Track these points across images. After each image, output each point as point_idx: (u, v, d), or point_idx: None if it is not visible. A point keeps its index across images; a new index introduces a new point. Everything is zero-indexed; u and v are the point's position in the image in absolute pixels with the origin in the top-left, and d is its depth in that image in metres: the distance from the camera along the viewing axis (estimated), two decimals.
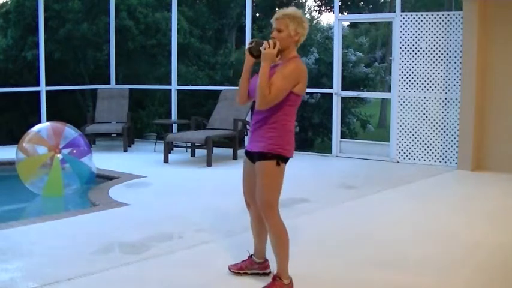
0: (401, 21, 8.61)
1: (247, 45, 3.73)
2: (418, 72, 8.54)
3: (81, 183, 6.82)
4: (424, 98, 8.52)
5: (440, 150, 8.46)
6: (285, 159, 3.68)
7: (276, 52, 3.59)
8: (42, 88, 10.11)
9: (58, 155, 6.60)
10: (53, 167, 6.55)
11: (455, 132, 8.30)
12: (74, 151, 6.71)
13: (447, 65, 8.35)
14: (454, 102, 8.32)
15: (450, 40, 8.31)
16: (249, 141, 3.81)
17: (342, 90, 9.55)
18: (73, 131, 6.94)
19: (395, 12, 8.83)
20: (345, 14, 21.53)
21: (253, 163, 3.70)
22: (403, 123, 8.68)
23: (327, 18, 47.96)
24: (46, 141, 6.65)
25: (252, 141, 3.74)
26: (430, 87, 8.47)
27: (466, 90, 8.05)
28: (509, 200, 6.57)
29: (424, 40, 8.47)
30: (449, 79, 8.34)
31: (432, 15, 8.50)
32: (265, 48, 3.59)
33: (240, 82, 3.81)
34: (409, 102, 8.63)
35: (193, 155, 9.24)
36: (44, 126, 7.11)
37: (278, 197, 3.66)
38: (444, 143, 8.43)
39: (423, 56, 8.49)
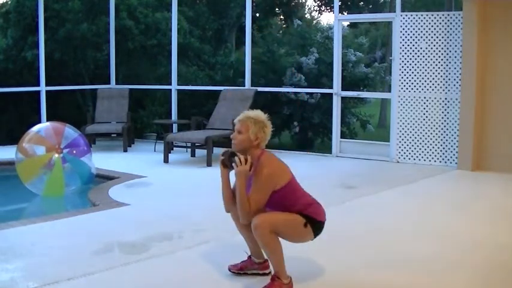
0: (401, 21, 8.61)
1: (219, 157, 3.73)
2: (418, 72, 8.54)
3: (81, 183, 6.82)
4: (424, 98, 8.52)
5: (440, 150, 8.46)
6: (317, 224, 3.64)
7: (248, 168, 3.56)
8: (42, 88, 10.11)
9: (60, 155, 6.59)
10: (54, 167, 6.54)
11: (455, 132, 8.30)
12: (74, 151, 6.71)
13: (447, 65, 8.35)
14: (454, 102, 8.32)
15: (450, 40, 8.31)
16: None
17: (342, 90, 9.56)
18: (73, 131, 6.94)
19: (395, 12, 8.84)
20: (345, 14, 21.54)
21: None
22: (403, 123, 8.68)
23: (327, 18, 47.96)
24: (47, 141, 6.64)
25: None
26: (430, 87, 8.47)
27: (466, 90, 8.05)
28: (509, 200, 6.57)
29: (424, 40, 8.47)
30: (449, 79, 8.34)
31: (432, 15, 8.50)
32: (237, 166, 3.57)
33: (222, 191, 3.80)
34: (409, 102, 8.64)
35: (193, 155, 9.24)
36: (44, 126, 7.10)
37: (279, 232, 3.57)
38: (444, 143, 8.43)
39: (423, 56, 8.49)
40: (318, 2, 26.94)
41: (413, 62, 8.56)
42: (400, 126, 8.71)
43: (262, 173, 3.55)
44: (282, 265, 3.62)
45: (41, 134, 6.76)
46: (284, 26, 23.42)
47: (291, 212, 3.61)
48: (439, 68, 8.40)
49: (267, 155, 3.67)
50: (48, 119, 9.62)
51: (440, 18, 8.41)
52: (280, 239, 3.61)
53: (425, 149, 8.56)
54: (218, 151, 9.10)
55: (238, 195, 3.57)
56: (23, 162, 6.64)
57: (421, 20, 8.49)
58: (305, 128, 15.16)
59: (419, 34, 8.50)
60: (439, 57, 8.39)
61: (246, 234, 3.85)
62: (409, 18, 8.57)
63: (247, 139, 3.63)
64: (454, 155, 8.34)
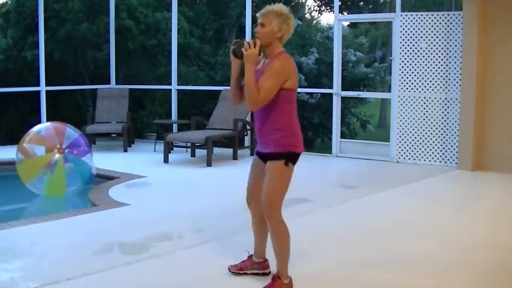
0: (401, 21, 8.61)
1: (231, 47, 3.70)
2: (418, 72, 8.54)
3: (82, 183, 6.82)
4: (424, 98, 8.52)
5: (440, 150, 8.46)
6: (296, 156, 3.66)
7: (257, 51, 3.57)
8: (42, 88, 10.11)
9: (61, 155, 6.57)
10: (56, 167, 6.53)
11: (455, 132, 8.30)
12: (75, 151, 6.70)
13: (447, 65, 8.35)
14: (454, 102, 8.32)
15: (450, 40, 8.31)
16: (258, 143, 3.79)
17: (342, 90, 9.55)
18: (74, 131, 6.93)
19: (395, 12, 8.83)
20: (345, 14, 21.55)
21: (265, 163, 3.69)
22: (403, 123, 8.68)
23: (327, 18, 47.97)
24: (48, 141, 6.62)
25: (261, 143, 3.74)
26: (430, 87, 8.47)
27: (466, 90, 8.05)
28: (509, 200, 6.57)
29: (424, 40, 8.47)
30: (449, 79, 8.34)
31: (432, 15, 8.50)
32: (246, 50, 3.56)
33: (230, 84, 3.78)
34: (409, 102, 8.63)
35: (193, 155, 9.24)
36: (45, 126, 7.09)
37: (283, 197, 3.65)
38: (444, 143, 8.43)
39: (423, 56, 8.49)
40: (318, 2, 26.96)
41: (413, 62, 8.56)
42: (400, 126, 8.71)
43: (278, 63, 3.57)
44: (286, 262, 3.65)
45: (41, 134, 6.75)
46: None
47: (274, 137, 3.59)
48: (439, 68, 8.40)
49: (286, 55, 3.67)
50: (48, 119, 9.62)
51: (440, 18, 8.41)
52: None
53: (425, 149, 8.56)
54: (218, 151, 9.17)
55: (247, 79, 3.54)
56: (23, 162, 6.63)
57: (421, 20, 8.49)
58: (305, 128, 15.16)
59: (419, 34, 8.50)
60: (439, 57, 8.39)
61: (257, 227, 3.87)
62: (409, 18, 8.57)
63: (271, 31, 3.61)
64: (454, 155, 8.33)
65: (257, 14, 3.70)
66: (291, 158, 3.63)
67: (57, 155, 6.54)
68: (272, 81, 3.53)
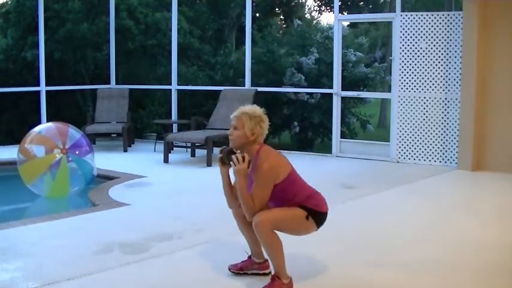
0: (401, 21, 8.61)
1: (218, 155, 3.72)
2: (418, 72, 8.54)
3: (85, 184, 6.80)
4: (424, 98, 8.52)
5: (440, 150, 8.46)
6: (319, 215, 3.64)
7: (246, 166, 3.55)
8: (42, 88, 10.11)
9: (65, 155, 6.55)
10: (60, 168, 6.50)
11: (455, 132, 8.30)
12: (77, 151, 6.69)
13: (447, 65, 8.35)
14: (454, 102, 8.32)
15: (450, 40, 8.31)
16: None
17: (342, 90, 9.55)
18: (76, 131, 6.91)
19: (395, 12, 8.83)
20: (345, 14, 21.56)
21: None
22: (403, 123, 8.68)
23: (327, 18, 47.95)
24: (49, 141, 6.58)
25: None
26: (430, 87, 8.47)
27: (466, 90, 8.05)
28: (509, 199, 6.57)
29: (424, 40, 8.47)
30: (449, 79, 8.34)
31: (432, 15, 8.50)
32: (235, 164, 3.55)
33: (224, 191, 3.79)
34: (409, 102, 8.63)
35: (193, 155, 9.24)
36: (47, 126, 7.04)
37: (280, 228, 3.58)
38: (444, 143, 8.43)
39: (423, 56, 8.49)
40: (318, 2, 26.97)
41: (413, 62, 8.56)
42: (400, 126, 8.71)
43: (263, 167, 3.53)
44: (282, 265, 3.62)
45: (42, 134, 6.71)
46: (284, 26, 23.42)
47: (291, 204, 3.60)
48: (439, 68, 8.40)
49: (266, 149, 3.65)
50: (48, 119, 9.61)
51: (440, 18, 8.41)
52: (283, 234, 3.61)
53: (425, 149, 8.56)
54: (218, 151, 9.15)
55: (239, 194, 3.55)
56: (26, 163, 6.58)
57: (421, 20, 8.49)
58: (305, 128, 15.17)
59: (419, 34, 8.50)
60: (439, 57, 8.39)
61: (247, 233, 3.85)
62: (409, 18, 8.57)
63: (244, 135, 3.60)
64: (454, 155, 8.33)
65: (231, 116, 3.68)
66: (314, 216, 3.62)
67: (60, 156, 6.51)
68: (262, 189, 3.53)
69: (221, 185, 3.85)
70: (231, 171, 3.71)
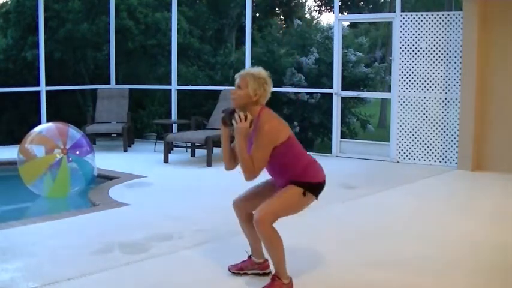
0: (401, 21, 8.61)
1: (220, 115, 3.71)
2: (418, 72, 8.54)
3: (85, 184, 6.80)
4: (424, 98, 8.52)
5: (440, 150, 8.46)
6: (316, 186, 3.65)
7: (248, 125, 3.54)
8: (42, 88, 10.11)
9: (65, 155, 6.54)
10: (61, 168, 6.49)
11: (455, 132, 8.30)
12: (77, 151, 6.69)
13: (447, 65, 8.35)
14: (454, 102, 8.32)
15: (450, 40, 8.31)
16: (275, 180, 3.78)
17: (342, 90, 9.55)
18: (76, 132, 6.91)
19: (395, 12, 8.83)
20: (345, 14, 21.55)
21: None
22: (403, 123, 8.68)
23: (327, 18, 47.98)
24: (49, 141, 6.58)
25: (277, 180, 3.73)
26: (430, 87, 8.47)
27: (466, 90, 8.05)
28: (509, 200, 6.57)
29: (424, 40, 8.47)
30: (449, 79, 8.34)
31: (432, 15, 8.50)
32: (237, 122, 3.55)
33: (222, 151, 3.77)
34: (409, 102, 8.63)
35: (193, 155, 9.24)
36: (47, 126, 7.04)
37: (281, 216, 3.59)
38: (444, 143, 8.43)
39: (423, 56, 8.49)
40: (318, 2, 26.97)
41: (413, 62, 8.56)
42: (400, 126, 8.71)
43: (263, 129, 3.54)
44: (282, 263, 3.62)
45: (43, 134, 6.71)
46: (284, 26, 23.43)
47: (289, 172, 3.60)
48: (439, 68, 8.40)
49: (267, 111, 3.65)
50: (48, 119, 9.61)
51: (440, 18, 8.41)
52: (284, 232, 3.60)
53: (425, 149, 8.56)
54: (218, 151, 9.15)
55: (239, 153, 3.54)
56: (26, 163, 6.57)
57: (421, 20, 8.49)
58: (305, 128, 15.18)
59: (419, 34, 8.50)
60: (439, 57, 8.39)
61: (247, 230, 3.85)
62: (409, 18, 8.57)
63: (246, 95, 3.60)
64: (454, 155, 8.33)
65: (236, 75, 3.69)
66: (311, 189, 3.62)
67: (60, 156, 6.51)
68: (262, 150, 3.52)
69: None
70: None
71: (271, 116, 3.63)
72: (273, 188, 3.73)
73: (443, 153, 8.45)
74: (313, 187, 3.64)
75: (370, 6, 25.31)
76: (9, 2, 15.21)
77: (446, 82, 8.36)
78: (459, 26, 8.21)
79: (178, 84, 11.04)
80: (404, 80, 8.64)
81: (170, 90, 11.02)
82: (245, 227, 3.86)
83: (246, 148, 3.53)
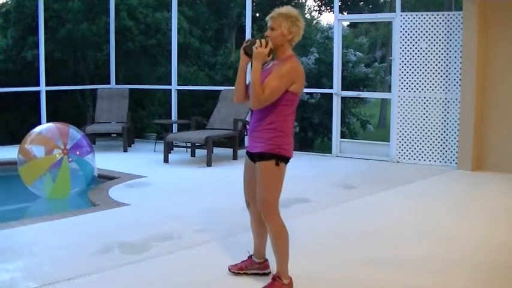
0: (401, 21, 8.61)
1: (243, 44, 3.72)
2: (418, 72, 8.54)
3: (86, 185, 6.79)
4: (424, 98, 8.52)
5: (440, 150, 8.46)
6: (285, 159, 3.66)
7: (267, 51, 3.58)
8: (42, 88, 10.11)
9: (66, 156, 6.53)
10: (61, 168, 6.49)
11: (455, 132, 8.30)
12: (78, 152, 6.68)
13: (447, 65, 8.35)
14: (454, 102, 8.32)
15: (450, 40, 8.31)
16: (249, 141, 3.81)
17: (342, 90, 9.55)
18: (77, 132, 6.90)
19: (395, 12, 8.83)
20: (345, 14, 21.53)
21: (254, 163, 3.70)
22: (403, 123, 8.68)
23: (327, 18, 47.97)
24: (50, 141, 6.56)
25: (251, 141, 3.74)
26: (430, 87, 8.47)
27: (466, 90, 8.05)
28: (509, 200, 6.57)
29: (424, 40, 8.47)
30: (449, 79, 8.34)
31: (432, 15, 8.50)
32: (257, 48, 3.57)
33: (236, 81, 3.78)
34: (409, 102, 8.63)
35: (193, 155, 9.24)
36: (48, 126, 7.02)
37: (278, 197, 3.66)
38: (444, 143, 8.43)
39: (423, 56, 8.49)
40: (318, 2, 26.93)
41: (413, 62, 8.56)
42: (400, 126, 8.71)
43: (286, 65, 3.57)
44: (285, 262, 3.64)
45: (43, 134, 6.69)
46: None
47: (270, 117, 3.59)
48: (439, 68, 8.40)
49: (296, 59, 3.68)
50: (48, 119, 9.61)
51: (440, 18, 8.41)
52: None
53: (425, 149, 8.56)
54: (218, 151, 9.16)
55: (253, 76, 3.54)
56: (26, 164, 6.56)
57: (421, 20, 8.49)
58: (305, 128, 15.18)
59: (419, 34, 8.50)
60: (439, 57, 8.39)
61: (258, 230, 3.86)
62: (409, 18, 8.57)
63: (281, 34, 3.63)
64: (454, 155, 8.33)
65: (266, 18, 3.71)
66: (281, 159, 3.64)
67: (61, 156, 6.50)
68: (279, 81, 3.54)
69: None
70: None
71: (298, 64, 3.66)
72: (251, 166, 3.74)
73: (443, 153, 8.45)
74: (283, 158, 3.65)
75: (370, 6, 25.28)
76: (9, 2, 15.20)
77: (446, 82, 8.36)
78: (459, 26, 8.21)
79: (178, 84, 11.04)
80: (404, 80, 8.64)
81: (170, 90, 11.02)
82: (255, 225, 3.88)
83: (259, 73, 3.55)
